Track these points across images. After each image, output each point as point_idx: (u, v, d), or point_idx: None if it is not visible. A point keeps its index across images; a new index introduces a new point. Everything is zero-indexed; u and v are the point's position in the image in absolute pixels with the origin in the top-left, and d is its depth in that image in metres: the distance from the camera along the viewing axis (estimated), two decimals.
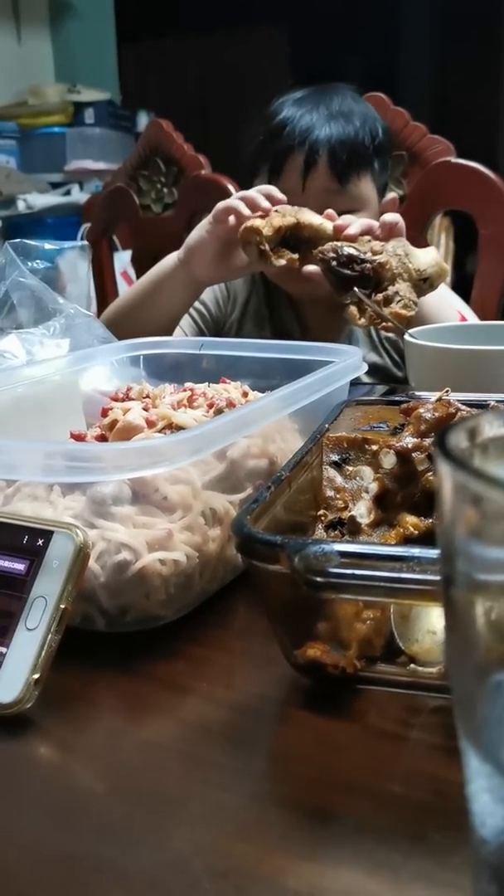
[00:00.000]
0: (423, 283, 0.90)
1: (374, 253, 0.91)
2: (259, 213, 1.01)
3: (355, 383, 0.75)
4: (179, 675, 0.46)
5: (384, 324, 0.88)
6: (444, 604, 0.24)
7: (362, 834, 0.34)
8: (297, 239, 1.02)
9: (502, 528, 0.21)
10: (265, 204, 1.02)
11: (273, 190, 1.04)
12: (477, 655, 0.23)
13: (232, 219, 1.03)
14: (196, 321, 1.28)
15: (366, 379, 1.19)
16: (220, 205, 1.05)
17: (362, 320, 0.90)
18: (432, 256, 0.90)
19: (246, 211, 1.01)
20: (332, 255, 0.92)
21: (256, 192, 1.04)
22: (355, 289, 0.89)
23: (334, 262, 0.91)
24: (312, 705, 0.43)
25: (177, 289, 1.15)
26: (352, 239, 0.95)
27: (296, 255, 1.02)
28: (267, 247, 1.01)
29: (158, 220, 1.55)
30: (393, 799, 0.36)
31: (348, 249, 0.91)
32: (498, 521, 0.21)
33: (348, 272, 0.90)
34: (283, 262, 1.02)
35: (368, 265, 0.89)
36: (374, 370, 1.21)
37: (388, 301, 0.88)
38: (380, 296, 0.89)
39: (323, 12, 3.65)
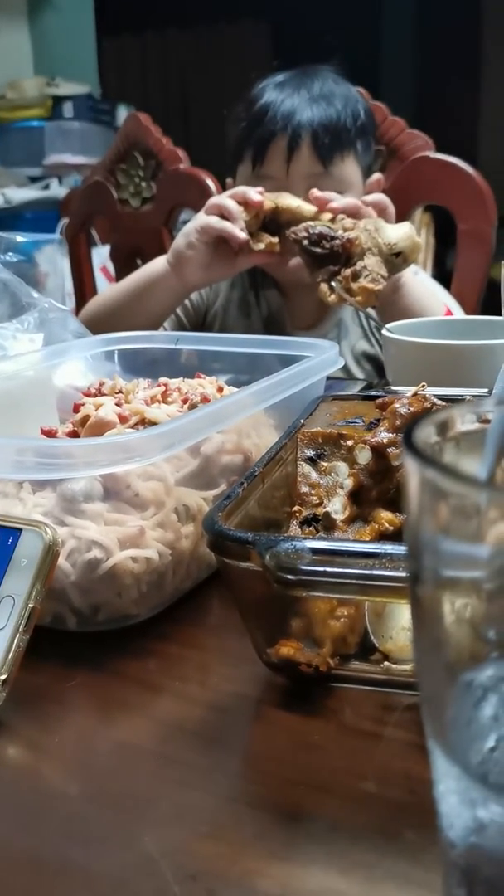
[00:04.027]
0: (396, 258, 0.90)
1: (346, 230, 0.91)
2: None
3: (332, 377, 0.74)
4: (152, 674, 0.46)
5: (352, 299, 0.88)
6: (411, 601, 0.23)
7: (336, 833, 0.34)
8: (276, 223, 1.03)
9: (469, 523, 0.21)
10: (241, 223, 1.02)
11: (249, 192, 1.03)
12: (445, 654, 0.23)
13: (219, 227, 1.03)
14: (177, 313, 1.27)
15: (356, 368, 1.18)
16: (204, 221, 1.04)
17: (332, 297, 0.90)
18: (404, 231, 0.90)
19: (239, 235, 1.01)
20: (303, 234, 0.92)
21: (235, 204, 1.03)
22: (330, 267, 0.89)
23: (306, 241, 0.92)
24: (287, 703, 0.42)
25: (166, 294, 1.14)
26: (334, 211, 0.95)
27: (275, 239, 1.03)
28: (246, 232, 1.01)
29: (137, 214, 1.54)
30: (367, 798, 0.36)
31: (319, 228, 0.92)
32: (465, 516, 0.21)
33: (319, 250, 0.90)
34: (262, 245, 1.02)
35: (338, 241, 0.89)
36: (365, 358, 1.20)
37: (356, 276, 0.88)
38: (348, 271, 0.89)
39: (304, 7, 3.64)
